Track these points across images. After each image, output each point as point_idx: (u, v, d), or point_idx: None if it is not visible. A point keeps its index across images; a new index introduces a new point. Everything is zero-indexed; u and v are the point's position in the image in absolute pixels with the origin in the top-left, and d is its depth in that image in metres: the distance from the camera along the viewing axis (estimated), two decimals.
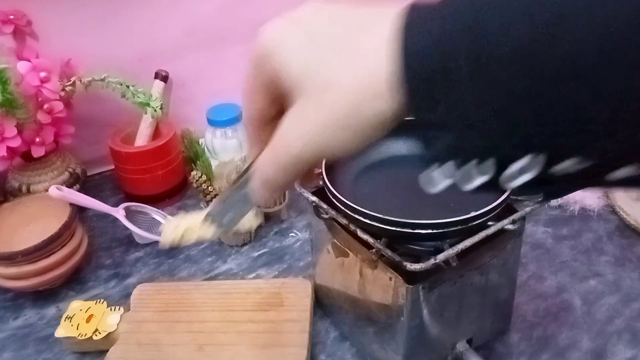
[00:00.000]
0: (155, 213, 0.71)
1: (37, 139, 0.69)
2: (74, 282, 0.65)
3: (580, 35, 0.19)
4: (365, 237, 0.42)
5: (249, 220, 0.33)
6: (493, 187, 0.24)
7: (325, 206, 0.46)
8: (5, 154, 0.66)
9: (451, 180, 0.24)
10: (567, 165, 0.23)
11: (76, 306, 0.57)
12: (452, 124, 0.23)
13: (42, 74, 0.66)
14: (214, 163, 0.72)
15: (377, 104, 0.23)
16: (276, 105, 0.28)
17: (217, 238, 0.35)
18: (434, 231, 0.39)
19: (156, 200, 0.75)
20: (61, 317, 0.56)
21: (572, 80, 0.20)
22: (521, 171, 0.25)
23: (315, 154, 0.25)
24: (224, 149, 0.77)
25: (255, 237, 0.69)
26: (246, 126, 0.31)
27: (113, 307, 0.57)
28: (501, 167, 0.23)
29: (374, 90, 0.23)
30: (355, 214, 0.41)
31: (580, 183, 0.24)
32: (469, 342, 0.50)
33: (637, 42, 0.19)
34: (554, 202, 0.71)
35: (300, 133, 0.25)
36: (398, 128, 0.25)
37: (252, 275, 0.64)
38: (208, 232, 0.37)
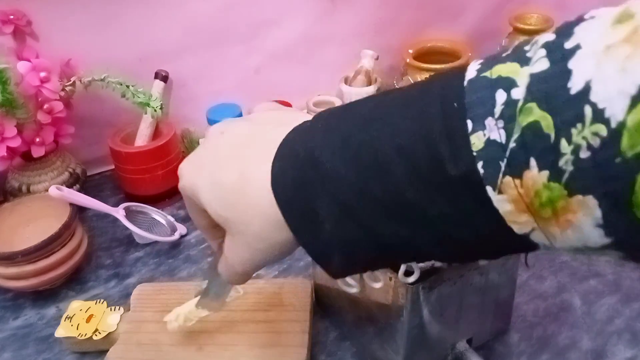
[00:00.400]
0: (155, 213, 0.72)
1: (37, 139, 0.69)
2: (74, 282, 0.65)
3: (395, 176, 0.24)
4: None
5: (231, 295, 0.46)
6: (397, 281, 0.31)
7: None
8: (5, 154, 0.66)
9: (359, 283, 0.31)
10: (440, 264, 0.27)
11: (76, 306, 0.57)
12: (334, 249, 0.28)
13: (42, 74, 0.65)
14: None
15: (281, 236, 0.29)
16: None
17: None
18: None
19: (156, 200, 0.75)
20: (61, 317, 0.56)
21: (399, 211, 0.24)
22: (406, 274, 0.31)
23: (255, 268, 0.33)
24: None
25: None
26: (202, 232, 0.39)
27: (113, 307, 0.57)
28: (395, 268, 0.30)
29: (274, 227, 0.29)
30: None
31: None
32: (469, 342, 0.50)
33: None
34: None
35: (238, 259, 0.32)
36: None
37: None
38: (203, 312, 0.47)
